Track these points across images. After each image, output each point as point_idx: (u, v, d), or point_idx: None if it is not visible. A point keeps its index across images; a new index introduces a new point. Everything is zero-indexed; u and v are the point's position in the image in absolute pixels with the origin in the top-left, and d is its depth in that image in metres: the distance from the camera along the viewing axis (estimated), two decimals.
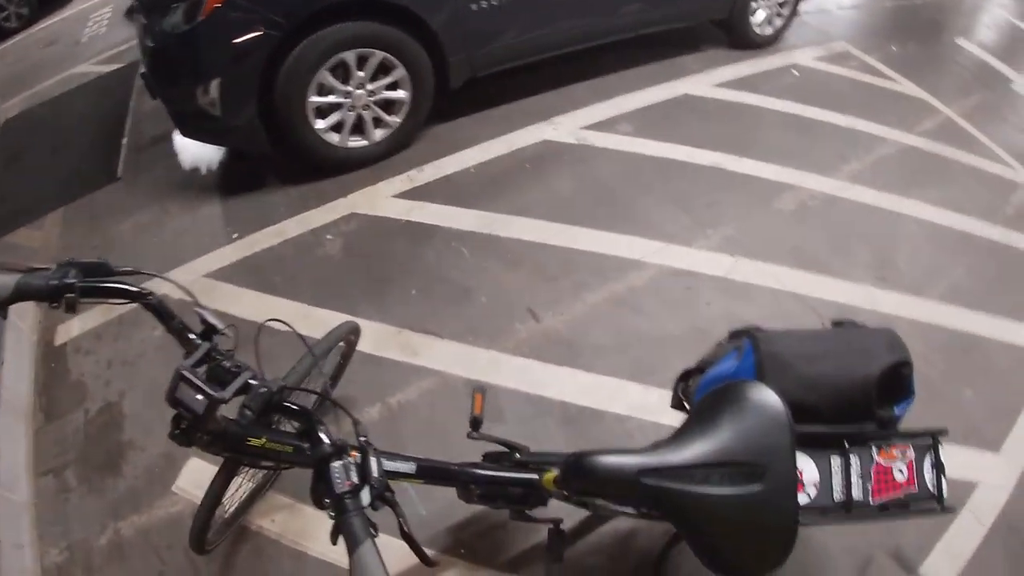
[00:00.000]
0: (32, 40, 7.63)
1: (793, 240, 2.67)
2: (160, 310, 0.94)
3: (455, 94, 3.18)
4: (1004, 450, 2.03)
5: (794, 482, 0.88)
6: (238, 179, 3.17)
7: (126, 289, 0.93)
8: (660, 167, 3.04)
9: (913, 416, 1.94)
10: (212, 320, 0.93)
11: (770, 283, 2.46)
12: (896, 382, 1.04)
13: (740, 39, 4.10)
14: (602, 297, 2.35)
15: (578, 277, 2.42)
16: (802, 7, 4.39)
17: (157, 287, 1.03)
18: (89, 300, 0.89)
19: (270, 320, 1.02)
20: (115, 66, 5.30)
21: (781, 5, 4.12)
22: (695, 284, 2.41)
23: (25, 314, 2.57)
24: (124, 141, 3.89)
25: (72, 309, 0.88)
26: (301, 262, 2.60)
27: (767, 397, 0.90)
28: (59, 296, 0.87)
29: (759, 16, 4.04)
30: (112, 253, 2.91)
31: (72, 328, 2.56)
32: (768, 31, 4.16)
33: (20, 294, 0.88)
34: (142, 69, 2.97)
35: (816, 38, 4.52)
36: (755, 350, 1.07)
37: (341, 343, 1.72)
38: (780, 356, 1.04)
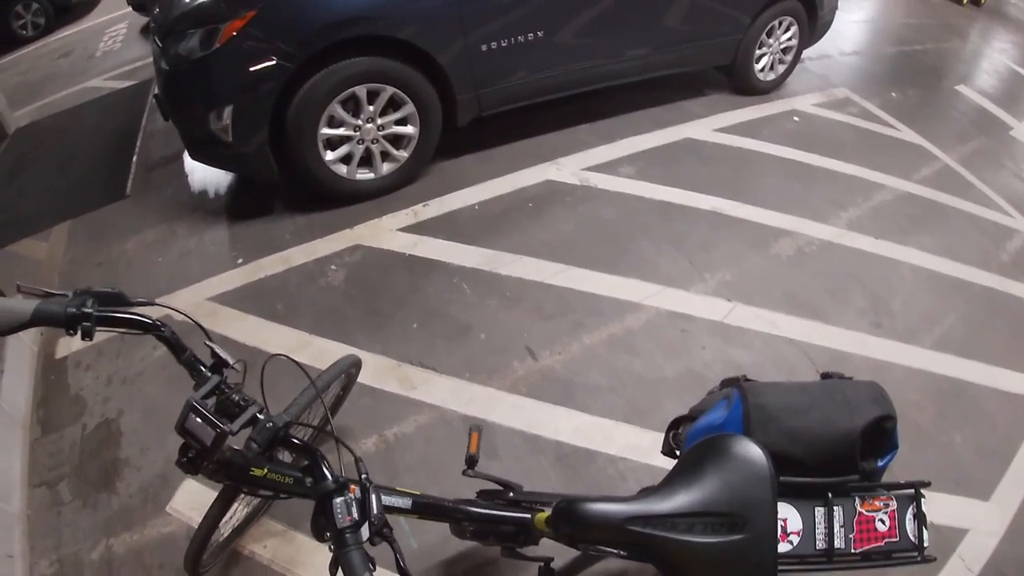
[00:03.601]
0: (47, 50, 7.72)
1: (789, 285, 2.72)
2: (173, 342, 0.97)
3: (461, 131, 3.24)
4: (995, 497, 2.05)
5: (775, 534, 0.91)
6: (246, 204, 3.22)
7: (141, 320, 0.95)
8: (660, 210, 3.09)
9: (904, 462, 2.00)
10: (222, 355, 0.97)
11: (766, 328, 2.49)
12: (880, 435, 1.07)
13: (743, 85, 4.17)
14: (599, 338, 2.39)
15: (576, 317, 2.46)
16: (804, 53, 4.47)
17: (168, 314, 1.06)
18: (104, 329, 0.92)
19: (276, 355, 1.06)
20: (128, 83, 5.37)
21: (784, 52, 4.19)
22: (691, 328, 2.45)
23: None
24: (134, 159, 3.93)
25: (88, 337, 0.91)
26: (304, 290, 2.64)
27: (751, 451, 0.94)
28: (75, 324, 0.90)
29: (762, 63, 4.11)
30: (117, 271, 2.99)
31: (73, 342, 2.57)
32: (771, 77, 4.23)
33: (37, 320, 0.90)
34: (155, 90, 3.02)
35: (818, 84, 4.61)
36: (743, 401, 1.10)
37: (342, 376, 1.74)
38: (766, 408, 1.07)
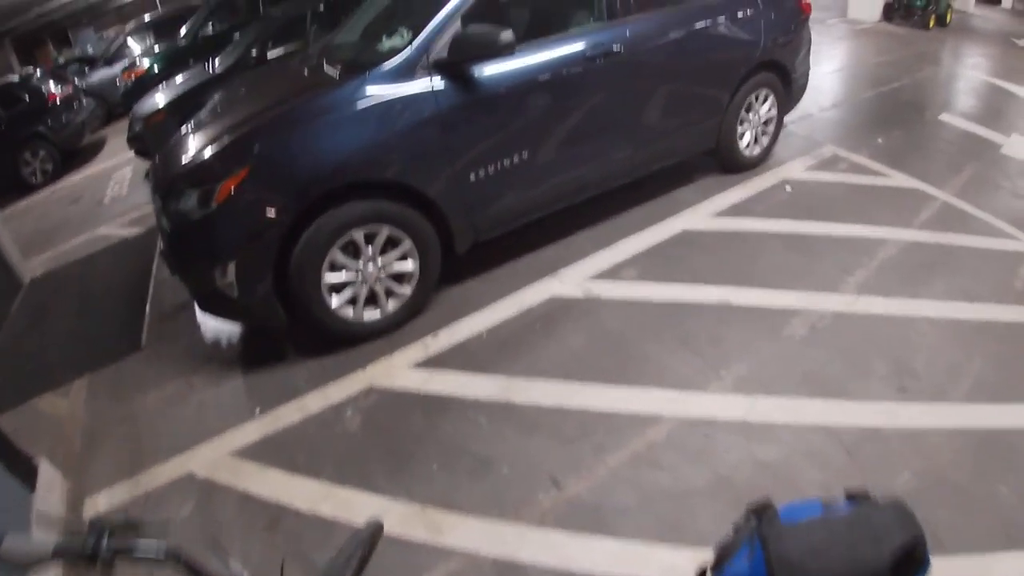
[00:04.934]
0: (56, 197, 8.03)
1: (807, 367, 2.68)
2: (191, 565, 0.98)
3: (462, 256, 3.29)
4: None
5: None
6: (259, 351, 3.26)
7: (156, 553, 0.95)
8: (667, 310, 3.08)
9: (950, 527, 1.94)
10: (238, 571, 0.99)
11: (790, 418, 2.44)
12: (910, 560, 1.04)
13: (730, 164, 4.23)
14: (622, 457, 2.35)
15: (596, 438, 2.43)
16: (786, 118, 4.54)
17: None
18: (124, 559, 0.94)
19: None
20: (137, 230, 5.56)
21: (766, 124, 4.27)
22: (713, 431, 2.41)
23: (53, 485, 2.59)
24: (147, 309, 4.02)
25: (108, 569, 0.92)
26: (323, 439, 2.64)
27: None
28: (95, 560, 0.92)
29: (746, 139, 4.19)
30: (138, 427, 3.02)
31: (99, 501, 2.61)
32: (756, 151, 4.30)
33: (58, 554, 0.92)
34: (161, 246, 3.12)
35: (803, 146, 4.68)
36: (764, 549, 1.09)
37: (365, 542, 1.72)
38: (788, 557, 1.05)
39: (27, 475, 2.53)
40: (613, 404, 2.57)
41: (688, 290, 3.19)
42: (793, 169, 4.35)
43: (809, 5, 4.29)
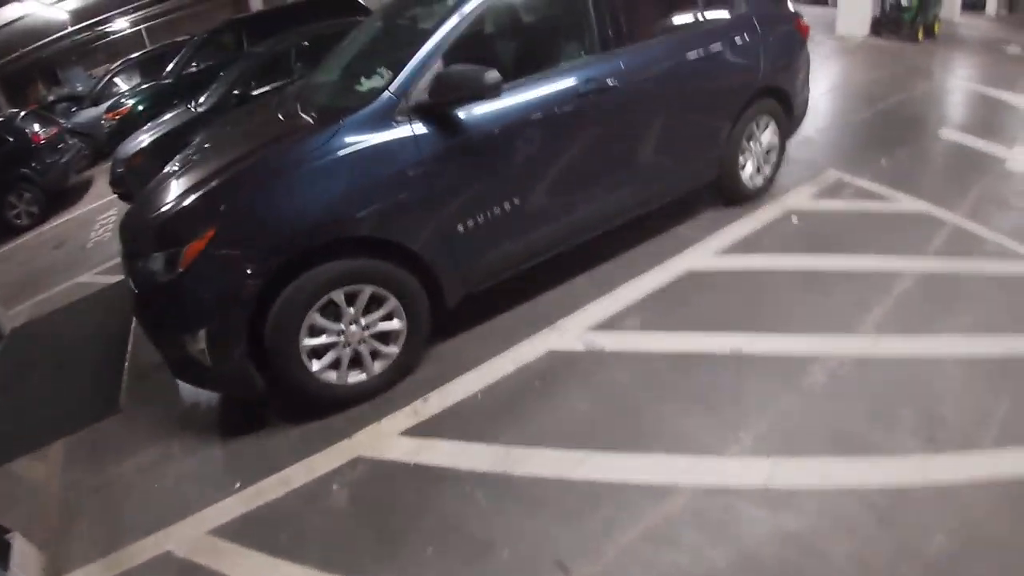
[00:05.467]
0: (41, 240, 7.94)
1: (831, 422, 2.47)
2: None
3: (453, 310, 3.10)
4: None
5: None
6: (239, 417, 3.06)
7: None
8: (676, 363, 2.87)
9: None
10: None
11: (815, 481, 2.24)
12: None
13: (733, 196, 4.06)
14: (635, 534, 2.13)
15: (606, 513, 2.21)
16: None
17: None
18: None
19: None
20: (118, 278, 5.34)
21: (768, 152, 4.12)
22: (734, 502, 2.20)
23: (28, 563, 2.46)
24: (125, 366, 3.88)
25: None
26: (308, 516, 2.43)
27: None
28: None
29: (748, 169, 4.03)
30: (114, 497, 2.81)
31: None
32: (759, 181, 4.14)
33: None
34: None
35: (806, 172, 4.51)
36: None
37: None
38: None
39: (0, 551, 2.40)
40: (622, 474, 2.35)
41: (697, 339, 2.98)
42: (798, 198, 4.19)
43: (807, 27, 4.16)
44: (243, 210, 2.52)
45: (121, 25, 16.78)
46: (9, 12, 8.62)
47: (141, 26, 18.56)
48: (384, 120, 2.64)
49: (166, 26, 19.57)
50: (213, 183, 2.61)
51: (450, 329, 3.26)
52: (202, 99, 6.45)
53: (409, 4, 3.69)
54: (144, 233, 2.74)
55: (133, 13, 16.49)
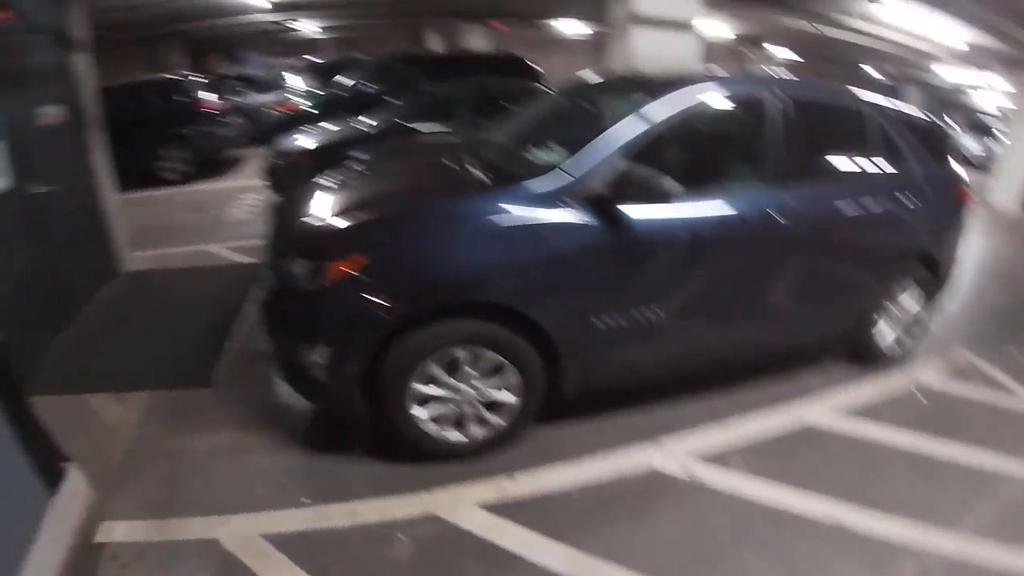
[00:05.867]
0: (181, 199, 8.35)
1: None
2: None
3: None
4: None
5: None
6: (327, 434, 3.10)
7: None
8: (773, 517, 2.68)
9: None
10: None
11: None
12: None
13: (864, 355, 3.87)
14: None
15: None
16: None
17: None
18: None
19: None
20: (245, 259, 5.59)
21: (910, 321, 3.90)
22: None
23: (76, 496, 2.46)
24: (228, 346, 3.95)
25: None
26: (366, 556, 2.38)
27: None
28: None
29: (885, 333, 3.83)
30: (180, 469, 2.83)
31: (116, 530, 2.47)
32: (896, 348, 3.92)
33: None
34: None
35: (937, 347, 4.24)
36: None
37: None
38: None
39: (53, 476, 2.40)
40: None
41: (800, 498, 2.78)
42: (926, 374, 3.92)
43: (970, 195, 3.96)
44: (400, 250, 2.58)
45: (307, 26, 17.86)
46: None
47: (322, 34, 20.03)
48: (557, 200, 2.66)
49: (342, 40, 21.24)
50: (377, 214, 2.71)
51: (553, 415, 3.14)
52: (373, 121, 6.69)
53: (602, 91, 3.79)
54: (295, 236, 2.85)
55: (324, 20, 17.65)
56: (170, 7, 10.97)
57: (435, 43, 17.40)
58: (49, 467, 2.36)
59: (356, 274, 2.50)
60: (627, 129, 2.81)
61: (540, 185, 2.70)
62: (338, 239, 2.65)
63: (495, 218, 2.60)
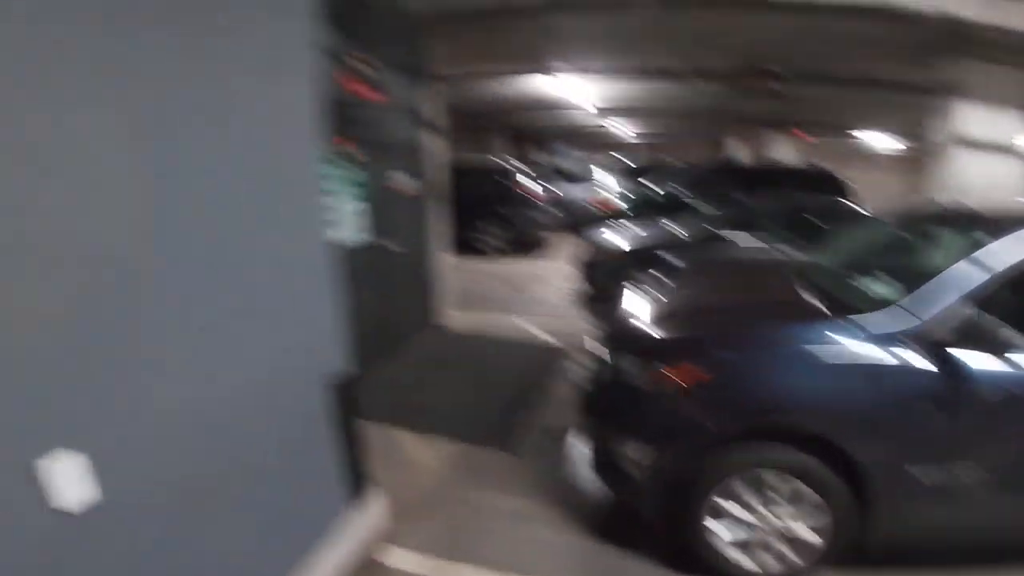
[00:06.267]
0: (493, 270, 9.15)
1: None
2: None
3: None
4: None
5: None
6: (619, 525, 3.08)
7: None
8: None
9: None
10: None
11: None
12: None
13: None
14: None
15: None
16: None
17: None
18: None
19: None
20: (550, 339, 5.89)
21: None
22: None
23: (372, 511, 2.80)
24: (532, 419, 4.16)
25: None
26: None
27: None
28: None
29: None
30: (472, 516, 3.07)
31: (397, 556, 2.77)
32: None
33: None
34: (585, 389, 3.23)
35: None
36: None
37: None
38: None
39: (357, 492, 2.79)
40: None
41: None
42: None
43: None
44: (744, 370, 2.63)
45: (622, 129, 19.02)
46: (551, 87, 10.25)
47: (631, 138, 21.14)
48: (895, 339, 2.51)
49: (649, 145, 22.28)
50: (721, 330, 2.86)
51: (845, 563, 2.77)
52: (681, 225, 6.83)
53: (932, 222, 3.55)
54: (629, 334, 3.08)
55: (639, 126, 18.61)
56: (509, 98, 12.07)
57: (736, 149, 17.32)
58: (356, 484, 2.81)
59: (696, 385, 2.61)
60: (971, 271, 2.57)
61: (881, 322, 2.59)
62: (678, 347, 2.82)
63: (834, 349, 2.54)
